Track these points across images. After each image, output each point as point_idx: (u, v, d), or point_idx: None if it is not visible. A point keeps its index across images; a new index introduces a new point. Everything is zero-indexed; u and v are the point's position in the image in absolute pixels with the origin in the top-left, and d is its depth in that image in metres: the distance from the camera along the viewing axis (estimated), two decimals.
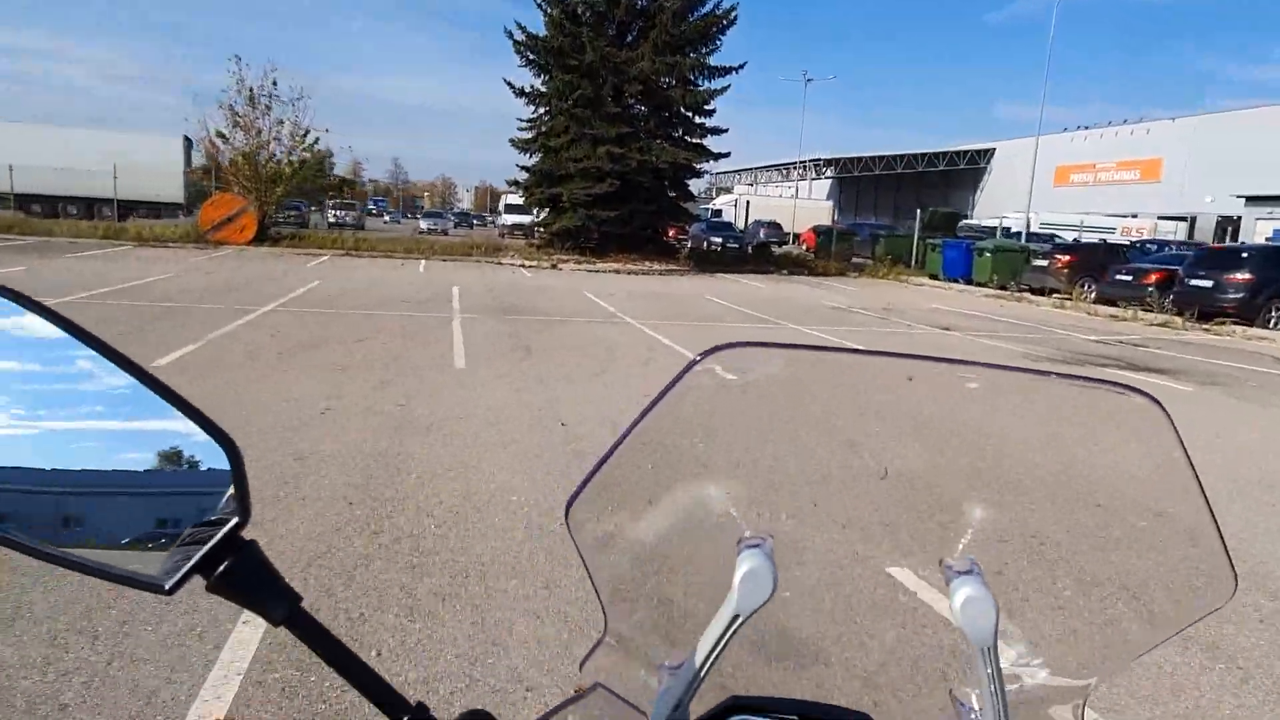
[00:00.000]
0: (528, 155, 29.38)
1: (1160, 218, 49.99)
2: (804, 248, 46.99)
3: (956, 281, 28.58)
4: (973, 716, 0.74)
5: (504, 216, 53.56)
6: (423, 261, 27.55)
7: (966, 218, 52.29)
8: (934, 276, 30.15)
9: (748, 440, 0.91)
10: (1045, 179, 58.29)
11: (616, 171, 27.46)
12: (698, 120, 29.76)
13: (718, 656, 0.69)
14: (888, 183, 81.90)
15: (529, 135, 29.58)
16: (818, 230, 39.66)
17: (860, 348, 0.83)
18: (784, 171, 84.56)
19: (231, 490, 0.64)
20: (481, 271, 24.89)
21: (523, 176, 29.85)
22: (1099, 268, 23.14)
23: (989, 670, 0.68)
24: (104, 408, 0.65)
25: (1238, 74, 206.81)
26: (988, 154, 74.21)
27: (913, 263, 32.67)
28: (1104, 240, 32.70)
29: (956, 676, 0.80)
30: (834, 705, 0.76)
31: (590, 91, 27.43)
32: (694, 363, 0.74)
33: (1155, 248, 28.54)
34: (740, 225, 45.32)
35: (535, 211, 32.60)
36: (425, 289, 18.83)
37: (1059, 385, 0.77)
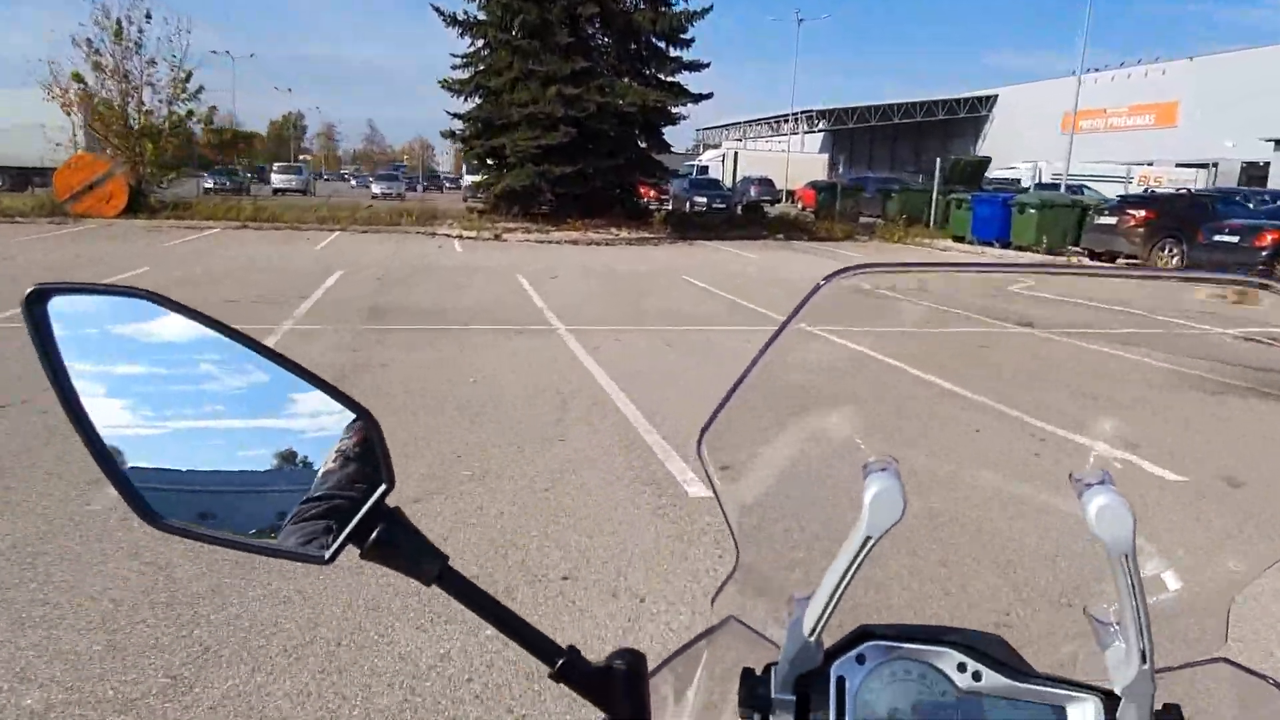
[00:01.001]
0: (462, 99, 23.91)
1: (1178, 165, 45.20)
2: (800, 207, 41.78)
3: (990, 245, 23.44)
4: (1111, 630, 0.72)
5: (466, 177, 48.41)
6: (334, 234, 22.25)
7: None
8: (959, 238, 25.01)
9: (868, 367, 0.98)
10: (1051, 126, 54.45)
11: (572, 117, 22.10)
12: (673, 53, 24.33)
13: (848, 584, 0.68)
14: (883, 135, 76.89)
15: (464, 76, 24.09)
16: (817, 186, 34.30)
17: (977, 261, 1.00)
18: (773, 125, 78.85)
19: (374, 461, 0.67)
20: (399, 246, 19.65)
21: (458, 127, 24.43)
22: (1186, 225, 18.02)
23: (1128, 580, 0.66)
24: (250, 395, 0.70)
25: (1225, 18, 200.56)
26: (989, 101, 69.73)
27: (931, 221, 27.50)
28: (1188, 190, 27.32)
29: (1090, 593, 0.76)
30: (965, 628, 0.76)
31: (536, 17, 21.98)
32: (819, 286, 0.73)
33: (1246, 199, 23.24)
34: (728, 183, 39.84)
35: (473, 169, 27.21)
36: (299, 274, 13.78)
37: (1189, 286, 1.03)
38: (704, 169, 45.97)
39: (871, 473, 0.67)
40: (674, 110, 24.46)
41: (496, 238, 22.04)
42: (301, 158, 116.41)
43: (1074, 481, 0.68)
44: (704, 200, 33.55)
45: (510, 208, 24.05)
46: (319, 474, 0.68)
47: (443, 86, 23.48)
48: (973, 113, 70.04)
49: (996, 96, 69.33)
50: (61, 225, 21.54)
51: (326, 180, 72.67)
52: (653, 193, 36.10)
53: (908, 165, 65.04)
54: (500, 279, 14.14)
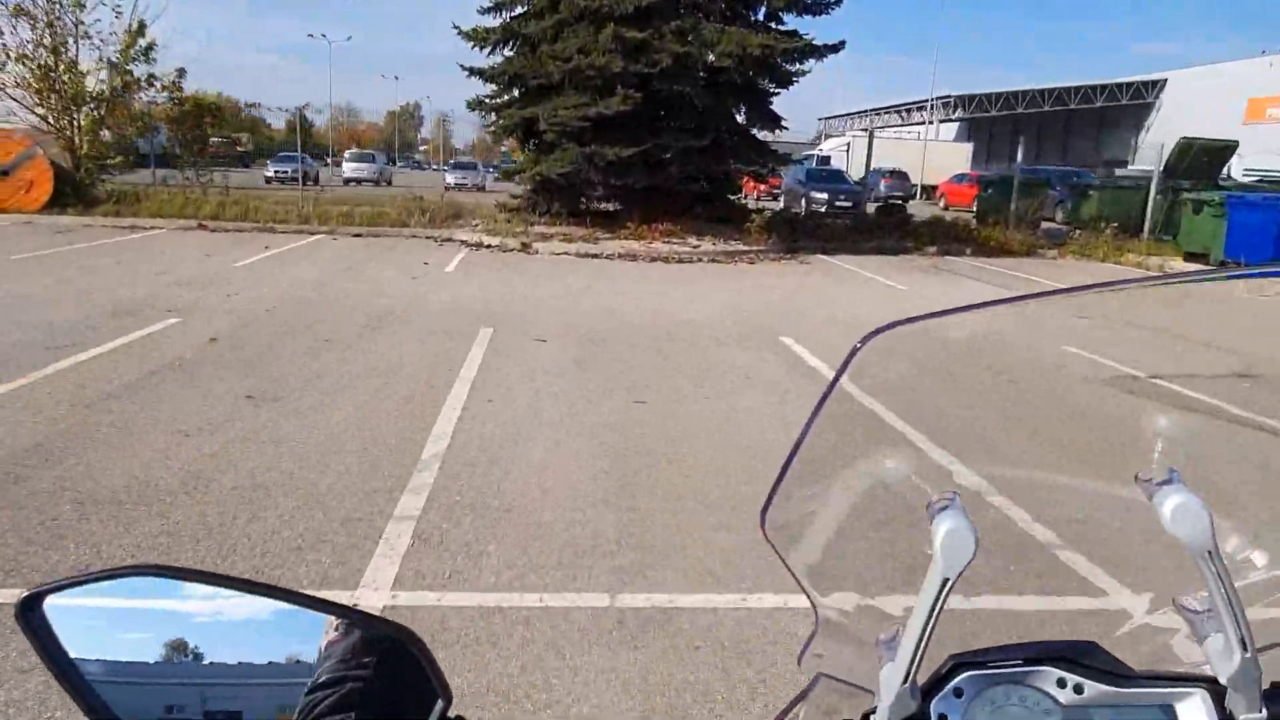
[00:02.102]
0: (489, 52, 17.27)
1: None
2: (942, 205, 33.68)
3: (1240, 264, 15.25)
4: (1205, 619, 0.71)
5: (450, 173, 43.16)
6: (307, 240, 16.11)
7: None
8: (1196, 255, 17.00)
9: (915, 410, 0.90)
10: (1232, 114, 46.56)
11: (636, 75, 15.24)
12: None
13: (934, 626, 0.67)
14: (1028, 125, 67.23)
15: (494, 24, 17.45)
16: (984, 181, 26.22)
17: (1014, 294, 0.80)
18: (903, 114, 69.96)
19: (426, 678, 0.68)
20: (364, 263, 13.24)
21: (485, 92, 17.89)
22: None
23: (1213, 572, 0.66)
24: (281, 637, 0.68)
25: None
26: (1156, 86, 59.94)
27: (1145, 231, 19.47)
28: None
29: (1178, 587, 0.75)
30: (1057, 640, 0.75)
31: None
32: (855, 350, 0.73)
33: None
34: (855, 175, 32.04)
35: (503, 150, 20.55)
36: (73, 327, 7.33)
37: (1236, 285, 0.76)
38: (824, 159, 38.20)
39: (936, 512, 0.67)
40: (788, 68, 17.20)
41: (523, 248, 15.37)
42: (421, 148, 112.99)
43: (1141, 482, 0.68)
44: (823, 197, 26.07)
45: (549, 205, 17.33)
46: (368, 692, 0.67)
47: (463, 36, 16.84)
48: (1136, 99, 60.40)
49: (1165, 81, 59.51)
50: None
51: (409, 169, 67.68)
52: (761, 187, 28.76)
53: (1052, 161, 55.59)
54: (421, 355, 7.45)
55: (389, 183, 37.88)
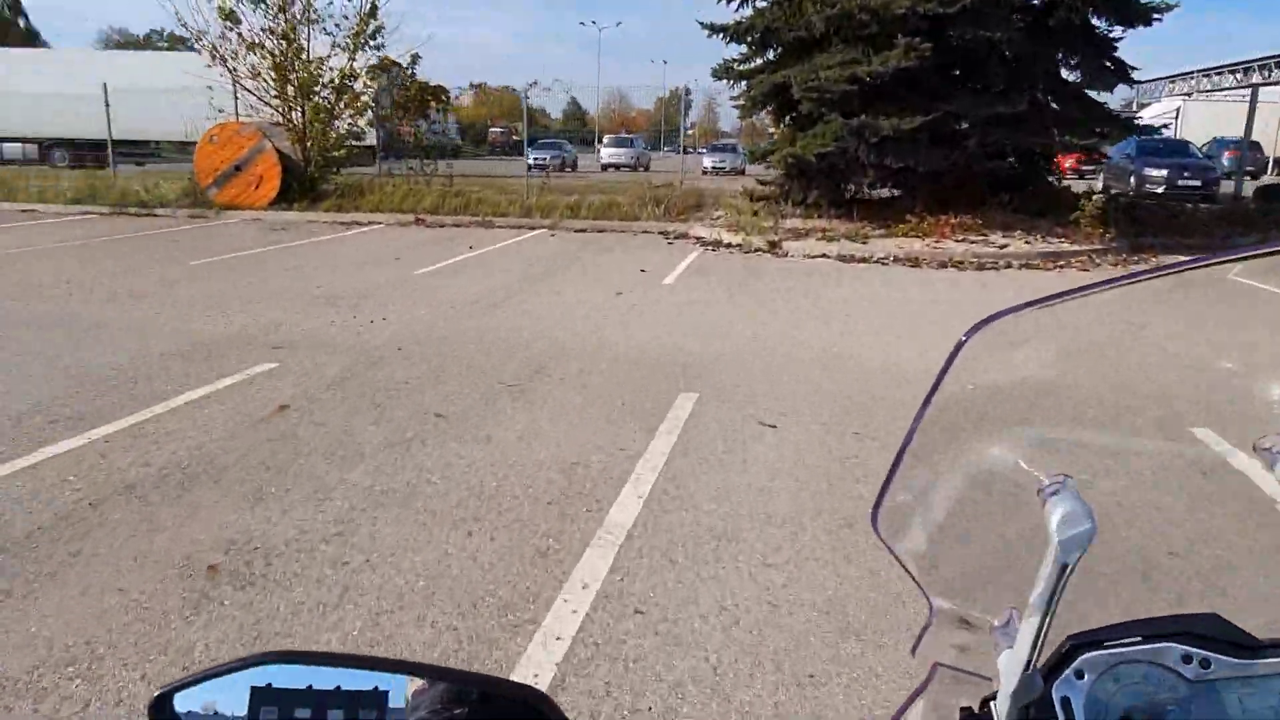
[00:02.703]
0: (737, 2, 14.04)
1: None
2: None
3: None
4: None
5: (708, 156, 39.49)
6: (525, 236, 14.02)
7: None
8: None
9: (1021, 396, 0.91)
10: None
11: (927, 17, 11.42)
12: None
13: (1054, 612, 0.66)
14: None
15: None
16: None
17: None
18: (1239, 73, 57.91)
19: None
20: (579, 273, 10.66)
21: (731, 55, 14.68)
22: None
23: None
24: (412, 712, 0.67)
25: None
26: None
27: None
28: None
29: None
30: (1177, 615, 0.74)
31: None
32: (961, 343, 0.73)
33: None
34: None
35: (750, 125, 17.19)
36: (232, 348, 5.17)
37: None
38: (1149, 129, 31.13)
39: (1049, 495, 0.66)
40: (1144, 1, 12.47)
41: (770, 249, 12.15)
42: (688, 132, 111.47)
43: (1259, 452, 0.71)
44: (1161, 175, 20.43)
45: (805, 192, 13.87)
46: None
47: None
48: None
49: None
50: (194, 221, 15.67)
51: (673, 153, 65.88)
52: (1069, 161, 23.08)
53: None
54: (557, 460, 4.48)
55: (646, 168, 36.17)
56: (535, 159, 35.53)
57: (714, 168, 36.04)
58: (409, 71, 17.62)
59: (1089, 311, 0.78)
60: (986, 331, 0.72)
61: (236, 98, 17.37)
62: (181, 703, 0.65)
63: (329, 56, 16.73)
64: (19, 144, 31.02)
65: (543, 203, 16.47)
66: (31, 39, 63.55)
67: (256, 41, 16.25)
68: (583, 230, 15.02)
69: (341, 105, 17.08)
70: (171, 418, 4.79)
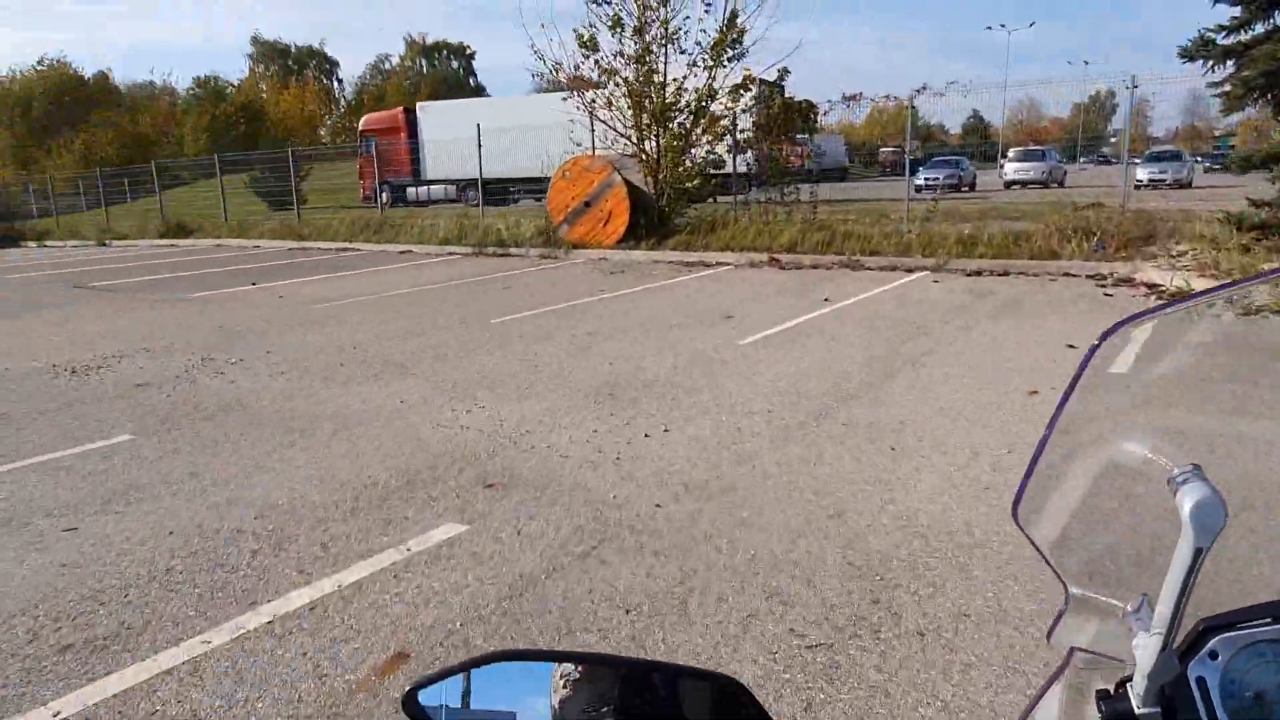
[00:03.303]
0: None
1: None
2: None
3: None
4: None
5: (1142, 166, 30.96)
6: (905, 279, 10.99)
7: None
8: None
9: (1159, 397, 0.95)
10: None
11: None
12: None
13: (1189, 596, 0.67)
14: None
15: None
16: None
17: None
18: None
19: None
20: (958, 351, 7.45)
21: (1209, 24, 10.11)
22: None
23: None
24: (636, 700, 0.76)
25: None
26: None
27: None
28: None
29: None
30: None
31: None
32: (1095, 346, 0.76)
33: None
34: None
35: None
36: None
37: None
38: None
39: (1180, 484, 0.67)
40: None
41: None
42: (1112, 140, 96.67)
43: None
44: None
45: None
46: None
47: None
48: None
49: None
50: (542, 262, 14.93)
51: (1092, 165, 56.63)
52: None
53: None
54: None
55: (1060, 184, 30.71)
56: (926, 179, 31.55)
57: (1149, 180, 29.40)
58: (775, 87, 15.37)
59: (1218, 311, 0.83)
60: (1121, 334, 0.76)
61: (593, 130, 16.42)
62: (426, 697, 0.73)
63: (685, 78, 15.05)
64: (444, 185, 34.36)
65: (926, 235, 13.17)
66: (479, 95, 73.21)
67: (610, 68, 15.06)
68: (977, 273, 11.53)
69: (698, 131, 15.30)
70: (211, 662, 2.75)
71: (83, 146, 56.57)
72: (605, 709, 0.73)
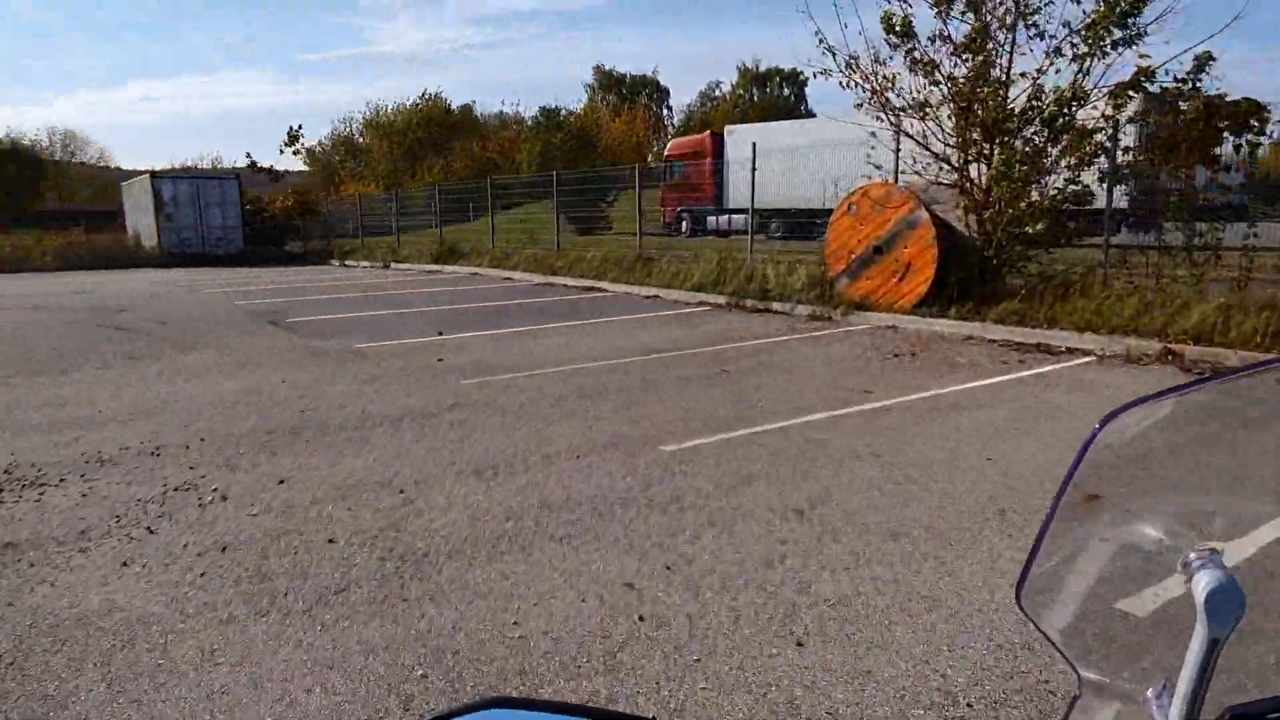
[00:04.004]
0: None
1: None
2: None
3: None
4: None
5: None
6: None
7: None
8: None
9: (1161, 482, 0.92)
10: None
11: None
12: None
13: (1206, 687, 0.65)
14: None
15: None
16: None
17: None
18: None
19: None
20: None
21: None
22: None
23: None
24: None
25: None
26: None
27: None
28: None
29: None
30: None
31: None
32: (1096, 431, 0.74)
33: None
34: None
35: None
36: None
37: None
38: None
39: (1196, 569, 0.65)
40: None
41: None
42: None
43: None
44: None
45: None
46: None
47: None
48: None
49: None
50: (805, 326, 11.02)
51: None
52: None
53: None
54: None
55: None
56: None
57: None
58: (1186, 84, 10.02)
59: (1219, 398, 0.80)
60: (1121, 419, 0.74)
61: (897, 149, 12.11)
62: None
63: (1040, 73, 10.27)
64: (745, 215, 31.28)
65: None
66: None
67: (927, 60, 10.68)
68: None
69: (1055, 150, 10.40)
70: None
71: (440, 170, 61.61)
72: None
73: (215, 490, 4.89)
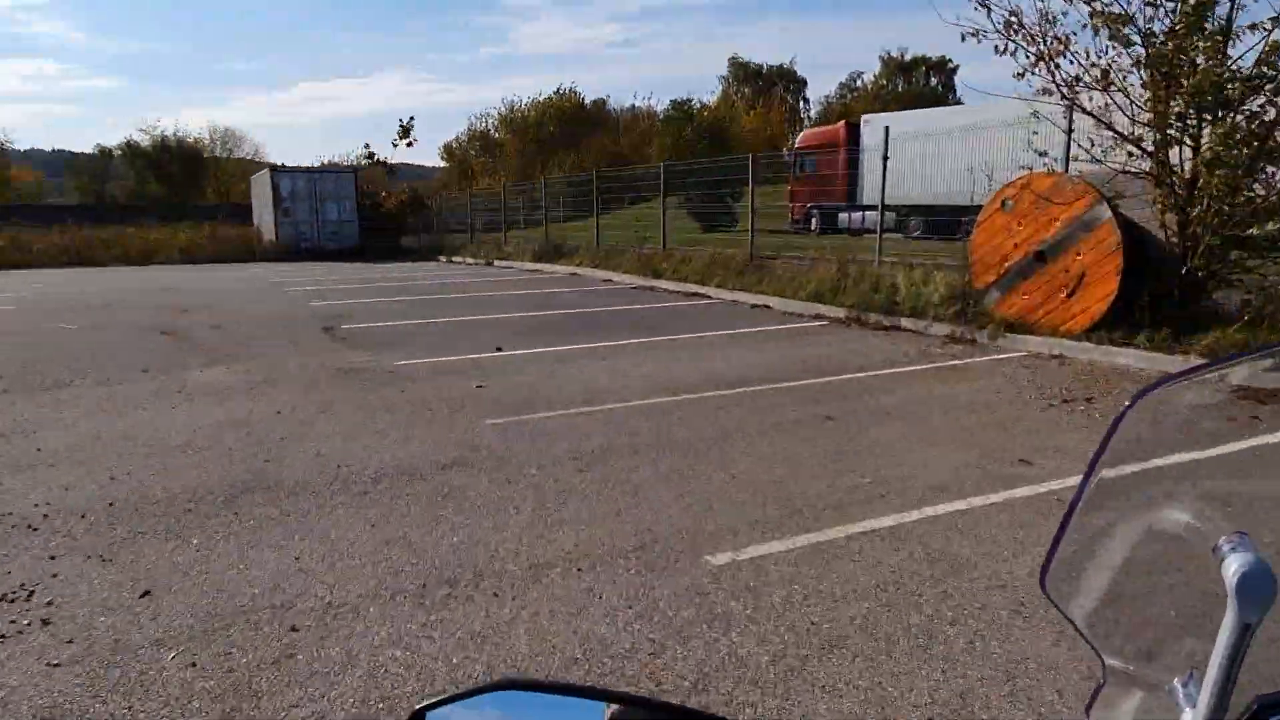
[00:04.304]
0: None
1: None
2: None
3: None
4: None
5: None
6: None
7: None
8: None
9: (1191, 463, 0.85)
10: None
11: None
12: None
13: (1237, 673, 0.63)
14: None
15: None
16: None
17: None
18: None
19: None
20: None
21: None
22: None
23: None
24: None
25: None
26: None
27: None
28: None
29: None
30: None
31: None
32: (1127, 408, 0.72)
33: None
34: None
35: None
36: None
37: None
38: None
39: (1226, 553, 0.64)
40: None
41: None
42: None
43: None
44: None
45: None
46: None
47: None
48: None
49: None
50: (939, 353, 8.85)
51: None
52: None
53: None
54: None
55: None
56: None
57: None
58: None
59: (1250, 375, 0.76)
60: (1152, 397, 0.71)
61: (1070, 130, 9.66)
62: (433, 719, 0.70)
63: (1275, 24, 7.69)
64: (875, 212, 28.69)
65: None
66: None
67: (1113, 16, 8.25)
68: None
69: None
70: None
71: (571, 164, 61.08)
72: None
73: (46, 605, 3.41)
